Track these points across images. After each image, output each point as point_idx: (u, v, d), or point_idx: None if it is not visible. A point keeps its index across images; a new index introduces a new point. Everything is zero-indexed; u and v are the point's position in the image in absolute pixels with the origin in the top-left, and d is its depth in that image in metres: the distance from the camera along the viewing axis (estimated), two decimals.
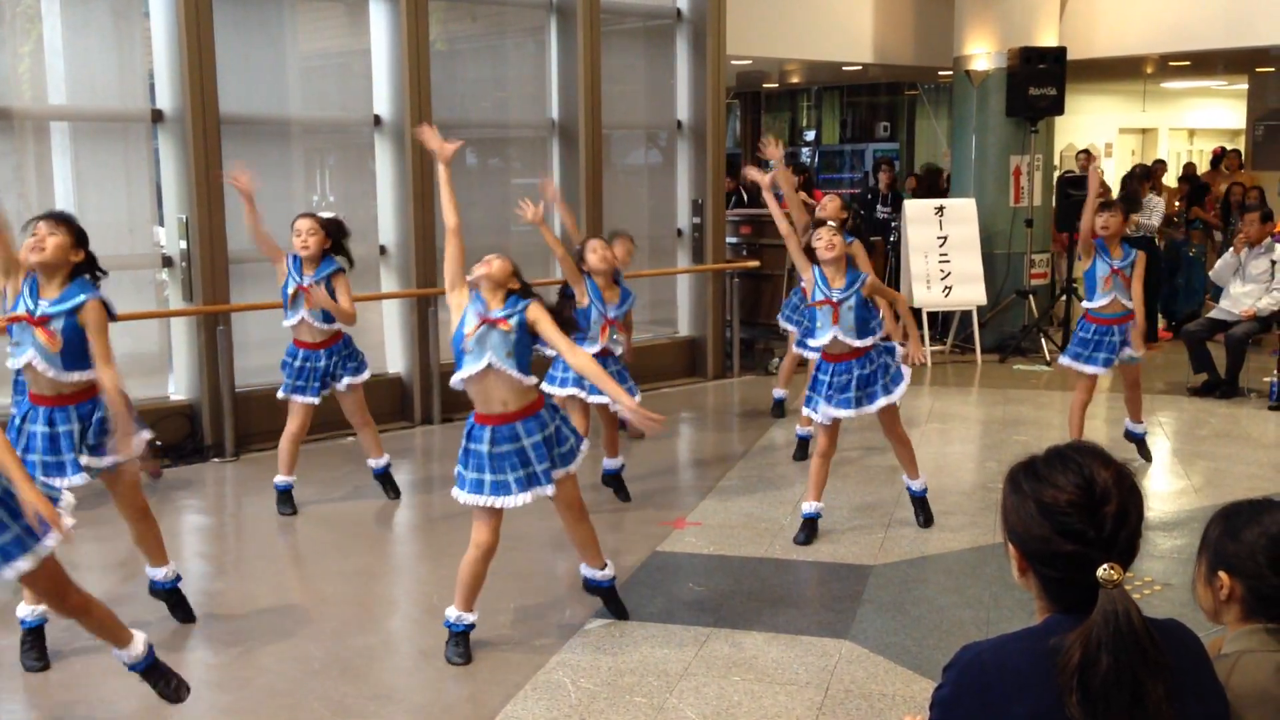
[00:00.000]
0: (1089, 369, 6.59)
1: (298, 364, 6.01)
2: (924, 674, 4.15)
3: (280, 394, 6.08)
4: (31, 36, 7.35)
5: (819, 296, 5.47)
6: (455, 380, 4.30)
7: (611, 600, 4.73)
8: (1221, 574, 2.15)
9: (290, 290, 5.93)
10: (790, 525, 5.90)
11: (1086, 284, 6.65)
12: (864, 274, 5.53)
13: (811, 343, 5.70)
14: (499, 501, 4.25)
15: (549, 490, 4.31)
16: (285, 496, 6.23)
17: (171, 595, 4.75)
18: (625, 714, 3.91)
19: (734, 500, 6.39)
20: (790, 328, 8.04)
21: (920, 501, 5.90)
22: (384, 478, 6.48)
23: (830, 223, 5.57)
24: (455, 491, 4.34)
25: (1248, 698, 1.98)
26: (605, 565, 4.68)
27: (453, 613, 4.40)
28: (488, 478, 4.24)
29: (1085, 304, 6.66)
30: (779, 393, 8.41)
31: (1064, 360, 6.75)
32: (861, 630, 4.59)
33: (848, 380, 5.48)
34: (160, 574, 4.68)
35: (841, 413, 5.51)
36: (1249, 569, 2.11)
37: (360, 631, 4.70)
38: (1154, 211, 11.39)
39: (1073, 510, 1.81)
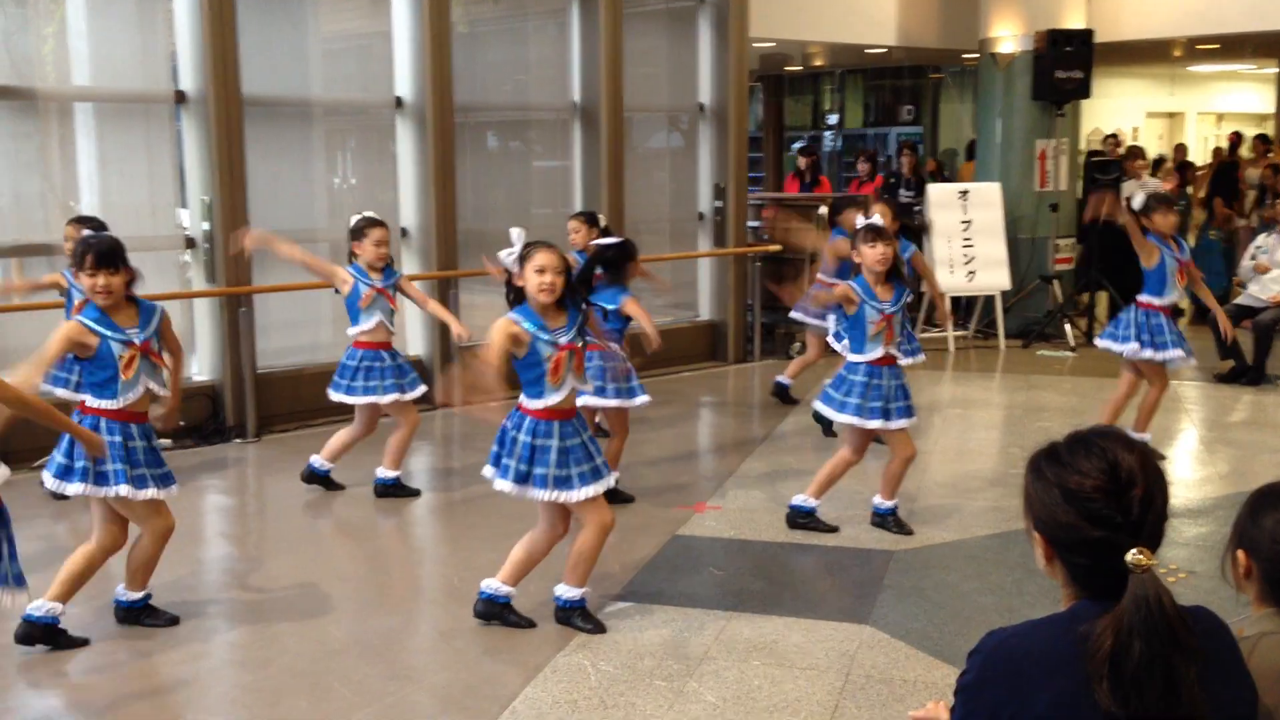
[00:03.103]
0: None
1: (368, 365, 5.97)
2: (945, 660, 4.13)
3: (354, 399, 5.98)
4: (55, 18, 7.37)
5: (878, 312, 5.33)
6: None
7: (586, 618, 4.50)
8: (1240, 553, 2.16)
9: (364, 295, 5.91)
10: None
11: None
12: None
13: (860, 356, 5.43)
14: (572, 496, 4.25)
15: (610, 482, 4.40)
16: (325, 478, 6.30)
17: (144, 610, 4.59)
18: (645, 697, 3.91)
19: (754, 485, 6.37)
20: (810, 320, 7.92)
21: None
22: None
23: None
24: (530, 491, 4.25)
25: (1267, 678, 1.97)
26: (585, 586, 4.52)
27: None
28: (554, 472, 4.23)
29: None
30: (786, 380, 8.28)
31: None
32: (882, 615, 4.57)
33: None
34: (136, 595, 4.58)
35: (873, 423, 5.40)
36: (1265, 553, 2.12)
37: (381, 613, 4.71)
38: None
39: (1099, 496, 1.79)
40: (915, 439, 7.23)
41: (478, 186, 9.15)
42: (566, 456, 4.24)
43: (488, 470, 4.35)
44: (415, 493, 6.26)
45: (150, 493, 4.24)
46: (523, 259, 4.20)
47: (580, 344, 4.31)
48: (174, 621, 4.53)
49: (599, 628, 4.43)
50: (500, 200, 9.38)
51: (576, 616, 4.46)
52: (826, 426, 7.17)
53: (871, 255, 5.31)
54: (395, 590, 5.03)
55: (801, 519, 5.60)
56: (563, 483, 4.23)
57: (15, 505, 3.94)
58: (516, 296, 4.25)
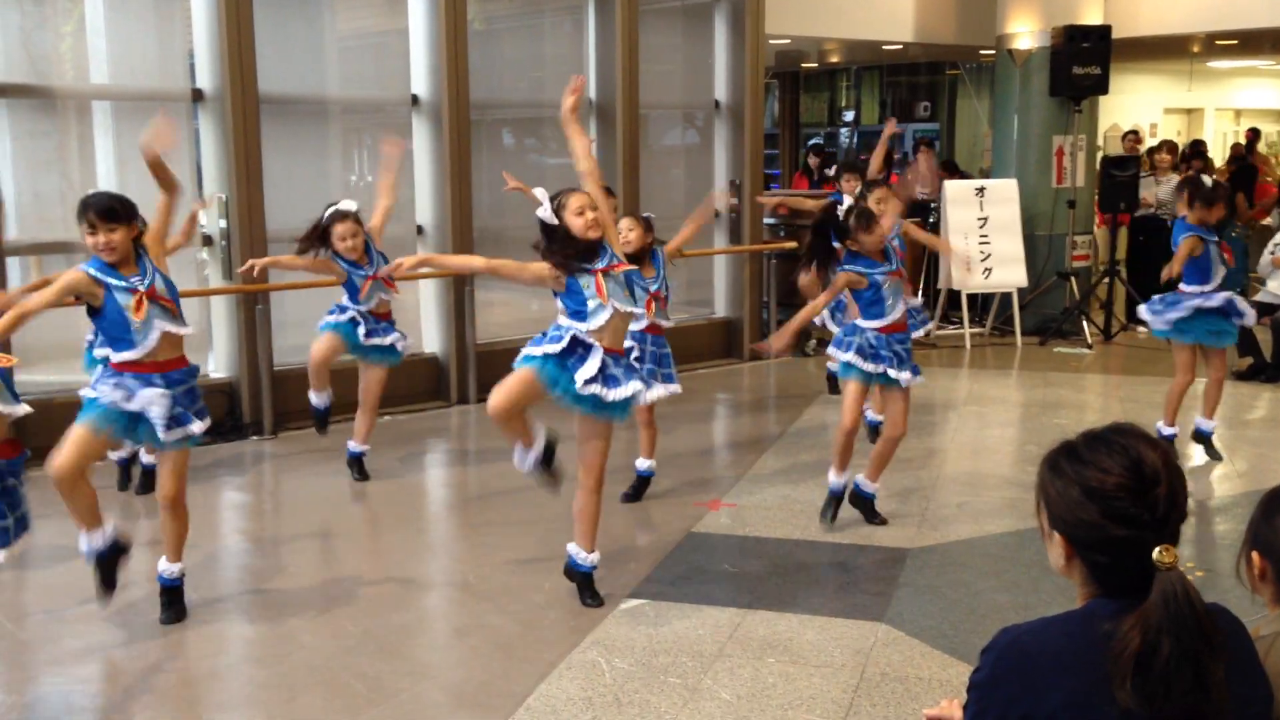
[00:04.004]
0: None
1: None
2: (961, 658, 4.12)
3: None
4: (74, 16, 7.40)
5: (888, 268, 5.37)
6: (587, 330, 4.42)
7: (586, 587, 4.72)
8: (1254, 554, 2.14)
9: (361, 284, 6.10)
10: None
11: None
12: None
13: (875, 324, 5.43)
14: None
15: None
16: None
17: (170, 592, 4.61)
18: (659, 694, 3.91)
19: (769, 482, 6.36)
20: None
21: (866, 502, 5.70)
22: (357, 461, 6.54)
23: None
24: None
25: None
26: (594, 550, 4.69)
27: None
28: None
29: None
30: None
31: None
32: (898, 613, 4.56)
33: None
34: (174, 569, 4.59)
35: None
36: (1278, 553, 2.09)
37: (396, 609, 4.72)
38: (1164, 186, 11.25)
39: (1124, 494, 1.77)
40: (931, 436, 7.26)
41: (493, 184, 9.14)
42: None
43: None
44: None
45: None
46: (559, 208, 4.38)
47: (618, 263, 4.46)
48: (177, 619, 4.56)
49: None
50: (515, 197, 9.32)
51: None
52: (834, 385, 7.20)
53: (869, 241, 5.32)
54: (410, 587, 5.04)
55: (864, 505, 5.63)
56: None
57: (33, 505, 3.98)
58: (563, 245, 4.37)
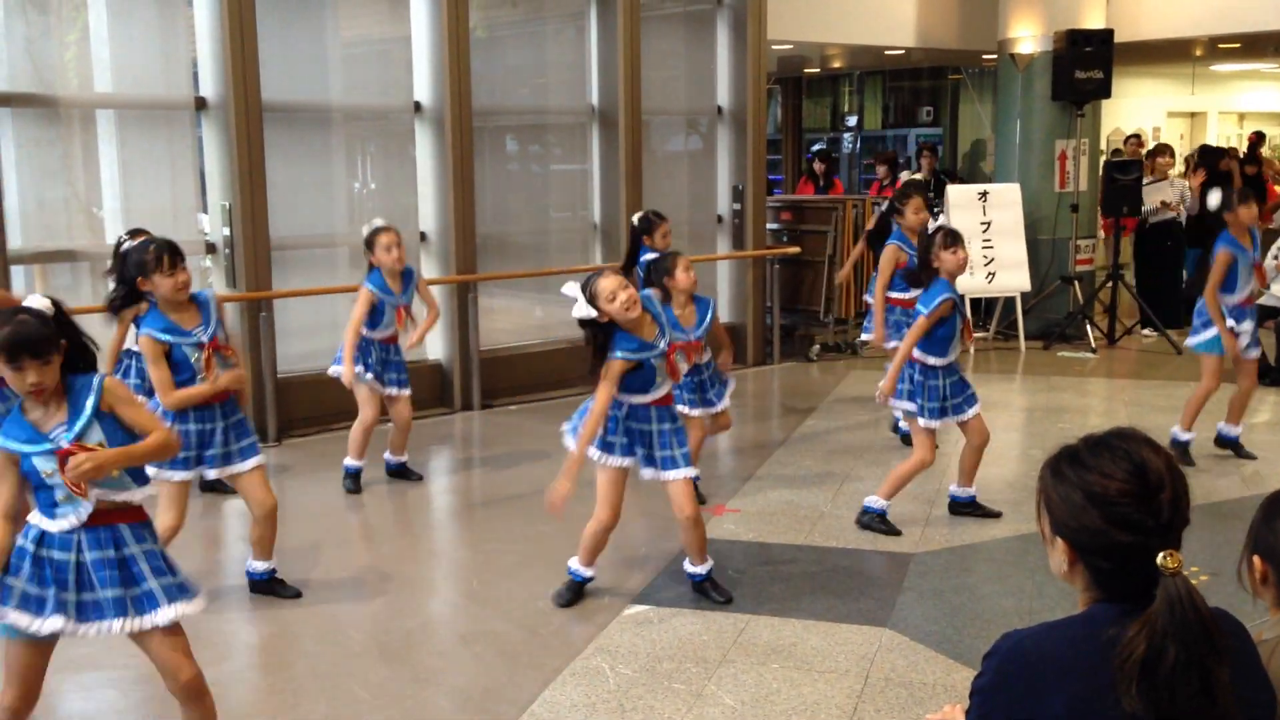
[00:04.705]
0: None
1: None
2: (965, 663, 4.12)
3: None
4: (77, 25, 7.43)
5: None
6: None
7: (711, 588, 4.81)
8: (1255, 558, 2.14)
9: (393, 311, 6.16)
10: (830, 512, 5.87)
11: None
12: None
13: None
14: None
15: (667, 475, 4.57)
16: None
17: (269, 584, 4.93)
18: (664, 700, 3.91)
19: (774, 487, 6.36)
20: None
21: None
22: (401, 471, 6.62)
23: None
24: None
25: None
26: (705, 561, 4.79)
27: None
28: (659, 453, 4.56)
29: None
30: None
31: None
32: (902, 618, 4.56)
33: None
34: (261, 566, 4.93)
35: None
36: (1279, 557, 2.09)
37: (400, 615, 4.73)
38: (1180, 190, 11.25)
39: (1127, 499, 1.77)
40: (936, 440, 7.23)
41: (496, 190, 9.17)
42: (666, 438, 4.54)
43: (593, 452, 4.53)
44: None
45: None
46: (593, 299, 4.34)
47: (675, 340, 4.58)
48: (297, 595, 4.88)
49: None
50: (519, 204, 9.40)
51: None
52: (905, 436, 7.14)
53: (953, 261, 5.30)
54: (414, 593, 5.05)
55: (866, 518, 5.61)
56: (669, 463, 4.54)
57: None
58: (605, 335, 4.39)
